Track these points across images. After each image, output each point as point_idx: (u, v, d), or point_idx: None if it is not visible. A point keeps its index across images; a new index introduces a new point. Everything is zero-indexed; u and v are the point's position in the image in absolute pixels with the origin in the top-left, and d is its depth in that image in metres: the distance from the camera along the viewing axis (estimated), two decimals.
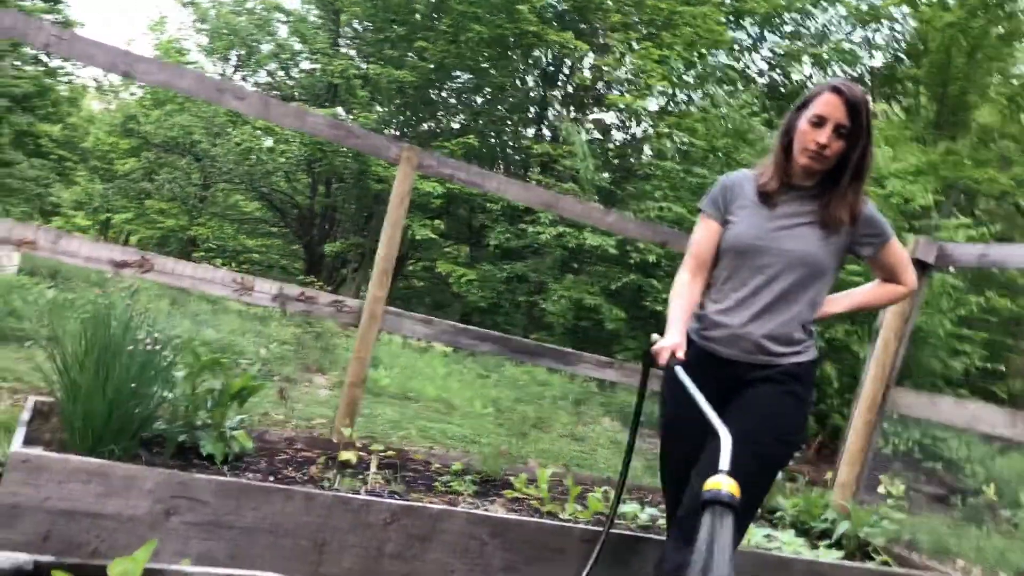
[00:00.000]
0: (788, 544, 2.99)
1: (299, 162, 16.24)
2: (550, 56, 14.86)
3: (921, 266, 4.57)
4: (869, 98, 2.06)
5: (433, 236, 12.52)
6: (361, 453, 3.20)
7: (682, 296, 2.13)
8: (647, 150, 16.34)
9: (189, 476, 2.03)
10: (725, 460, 1.65)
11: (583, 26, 14.63)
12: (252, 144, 15.76)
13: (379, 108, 15.89)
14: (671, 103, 14.55)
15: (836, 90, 2.04)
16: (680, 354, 1.99)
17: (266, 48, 18.65)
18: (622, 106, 13.78)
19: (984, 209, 15.19)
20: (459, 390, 8.13)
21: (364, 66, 14.92)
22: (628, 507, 3.18)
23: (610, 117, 16.78)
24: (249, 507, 2.05)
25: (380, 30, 14.93)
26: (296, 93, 17.28)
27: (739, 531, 1.92)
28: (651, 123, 14.40)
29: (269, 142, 16.27)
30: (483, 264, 13.09)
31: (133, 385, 2.35)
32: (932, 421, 7.26)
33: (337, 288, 18.76)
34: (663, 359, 1.99)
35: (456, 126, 16.71)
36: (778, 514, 3.69)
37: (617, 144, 15.48)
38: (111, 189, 18.90)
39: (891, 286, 2.26)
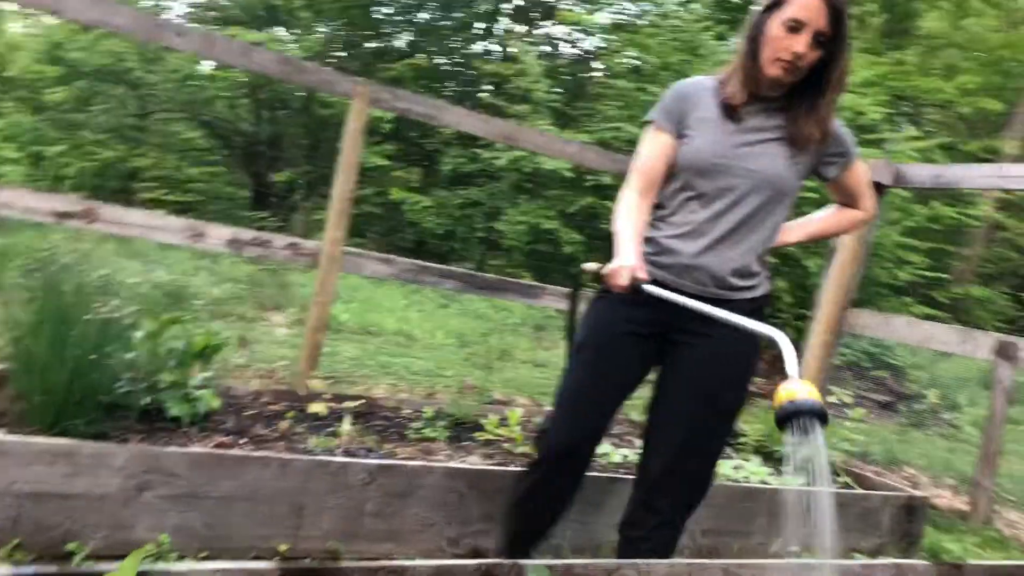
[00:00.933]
0: (755, 473, 3.07)
1: (241, 88, 15.64)
2: None
3: (879, 187, 4.62)
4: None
5: (384, 163, 12.23)
6: (331, 404, 3.17)
7: (631, 217, 1.90)
8: (598, 65, 16.11)
9: (160, 450, 1.98)
10: (792, 366, 1.50)
11: None
12: (190, 70, 15.09)
13: (321, 29, 15.26)
14: (622, 15, 14.25)
15: None
16: (642, 274, 1.82)
17: None
18: (573, 22, 13.46)
19: (930, 118, 15.37)
20: (419, 321, 8.10)
21: None
22: (601, 447, 3.22)
23: (558, 31, 16.43)
24: (224, 477, 2.01)
25: None
26: (235, 14, 16.47)
27: (707, 479, 1.96)
28: (602, 39, 14.12)
29: (209, 67, 15.57)
30: (437, 190, 12.90)
31: (93, 355, 2.26)
32: (888, 340, 7.49)
33: (287, 217, 18.41)
34: (623, 279, 1.78)
35: (402, 44, 16.19)
36: (742, 439, 3.78)
37: (567, 60, 15.18)
38: (42, 121, 18.02)
39: (850, 212, 2.10)
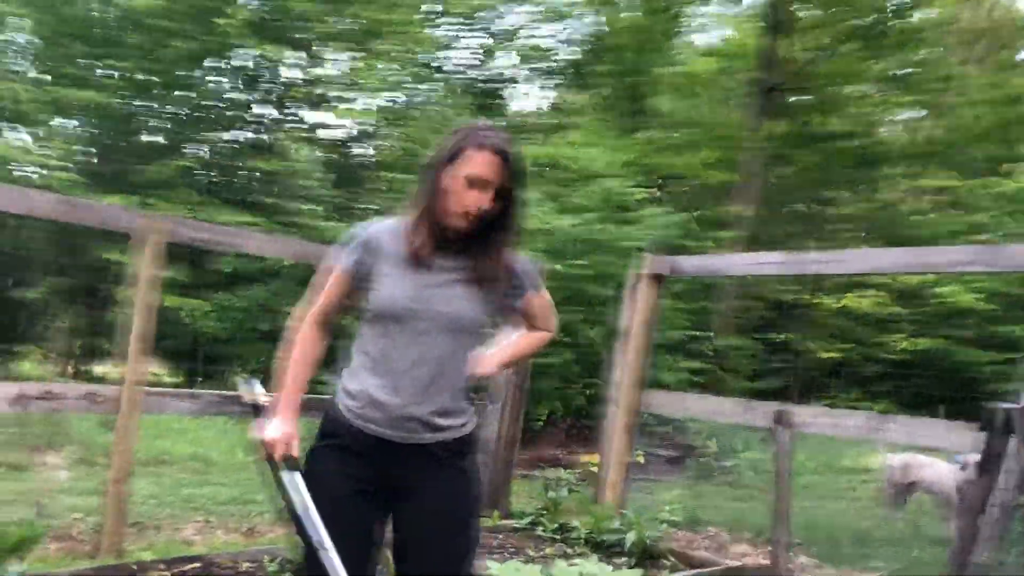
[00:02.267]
0: (597, 574, 3.26)
1: None
2: (257, 66, 14.31)
3: (658, 279, 5.16)
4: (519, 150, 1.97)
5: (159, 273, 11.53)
6: (163, 573, 2.99)
7: (304, 356, 1.97)
8: (361, 148, 16.42)
9: None
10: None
11: (290, 35, 14.26)
12: None
13: (76, 131, 14.26)
14: (393, 105, 14.67)
15: (497, 150, 1.89)
16: (295, 450, 1.87)
17: None
18: (347, 119, 13.66)
19: (679, 190, 17.13)
20: (214, 441, 7.69)
21: (48, 87, 13.31)
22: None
23: (328, 118, 16.62)
24: None
25: (59, 46, 13.40)
26: None
27: None
28: (372, 135, 14.46)
29: None
30: (217, 293, 12.39)
31: None
32: (681, 417, 8.18)
33: (43, 335, 16.73)
34: (277, 454, 1.85)
35: (164, 142, 15.54)
36: (573, 534, 4.00)
37: (327, 143, 15.24)
38: None
39: (537, 334, 2.16)
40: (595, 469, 5.67)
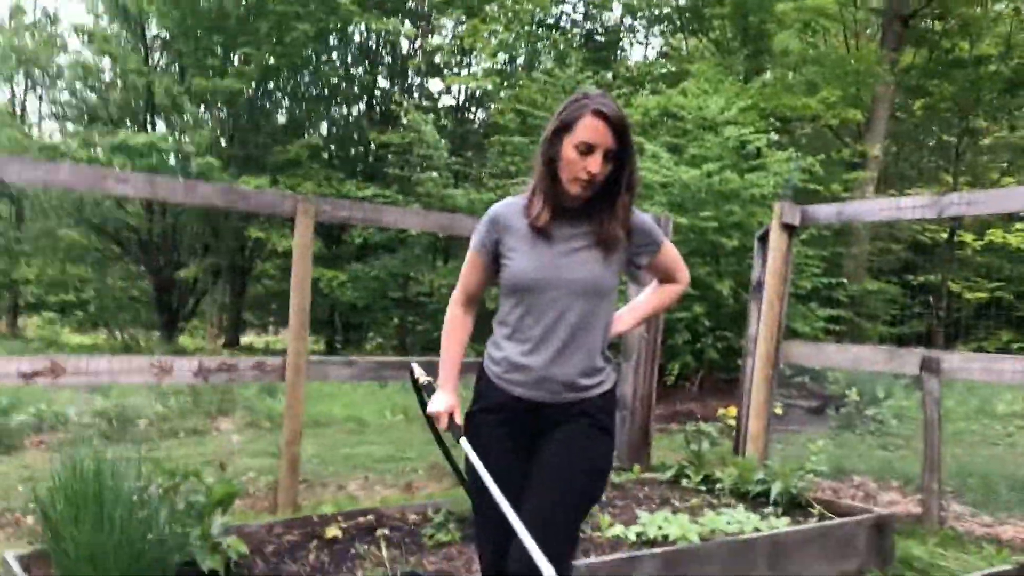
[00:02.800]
0: (744, 522, 3.35)
1: None
2: (378, 43, 14.72)
3: (789, 228, 5.08)
4: (626, 112, 2.04)
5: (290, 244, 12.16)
6: (341, 524, 3.29)
7: (455, 335, 2.16)
8: (483, 115, 16.57)
9: None
10: (536, 554, 1.68)
11: (406, 5, 14.55)
12: (44, 160, 14.68)
13: (207, 120, 15.17)
14: (507, 69, 14.75)
15: (599, 114, 1.95)
16: (458, 418, 2.03)
17: (63, 68, 17.35)
18: (462, 85, 13.88)
19: (801, 133, 16.49)
20: (364, 403, 8.17)
21: (184, 79, 14.19)
22: (602, 520, 3.42)
23: (442, 89, 16.85)
24: None
25: (194, 39, 14.21)
26: (112, 114, 16.17)
27: (566, 558, 1.99)
28: (489, 96, 14.59)
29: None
30: (351, 263, 12.98)
31: (147, 537, 2.36)
32: (822, 367, 8.04)
33: (194, 310, 18.02)
34: (440, 424, 2.03)
35: (292, 121, 16.25)
36: (718, 485, 4.08)
37: (459, 119, 15.57)
38: None
39: (670, 287, 2.25)
40: (732, 422, 5.71)
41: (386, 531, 3.29)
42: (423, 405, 2.14)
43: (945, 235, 17.10)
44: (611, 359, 2.12)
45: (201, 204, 4.12)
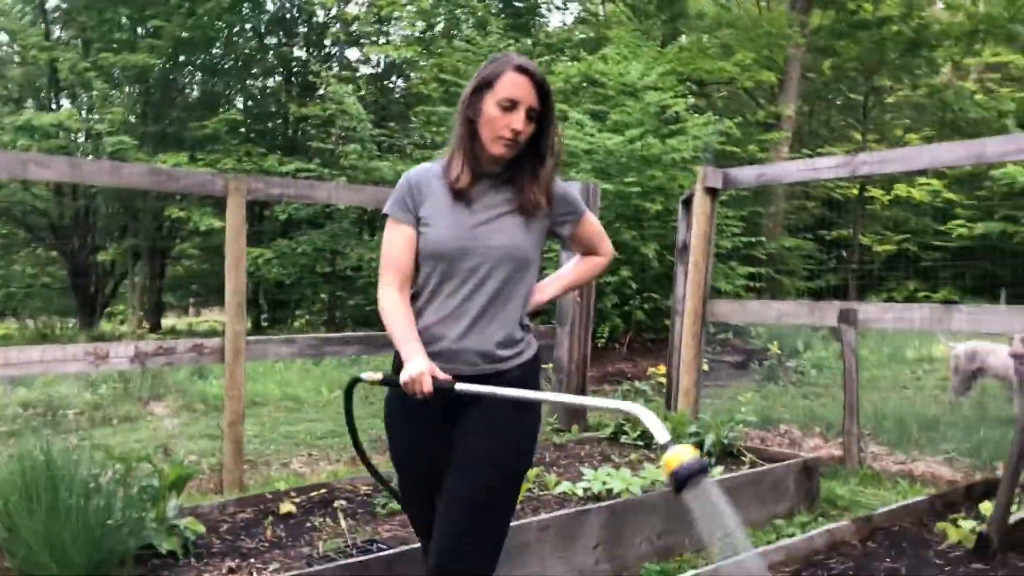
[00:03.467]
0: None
1: None
2: (293, 12, 14.37)
3: (712, 192, 5.28)
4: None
5: (217, 225, 11.91)
6: (294, 499, 3.35)
7: (399, 314, 1.94)
8: (402, 85, 16.38)
9: None
10: (661, 432, 1.60)
11: None
12: None
13: (117, 97, 14.58)
14: (425, 36, 14.60)
15: (522, 70, 1.90)
16: (440, 375, 1.85)
17: None
18: (381, 55, 13.68)
19: (717, 96, 16.88)
20: (299, 380, 8.14)
21: (89, 53, 13.58)
22: (548, 478, 3.56)
23: (360, 58, 16.56)
24: None
25: (98, 11, 13.60)
26: (11, 92, 15.39)
27: (497, 548, 1.94)
28: (409, 65, 14.43)
29: None
30: (275, 240, 12.78)
31: (105, 523, 2.37)
32: (745, 323, 8.35)
33: (113, 294, 17.45)
34: (426, 386, 1.81)
35: (195, 93, 15.76)
36: (654, 441, 4.26)
37: (379, 88, 15.36)
38: None
39: (593, 259, 2.19)
40: (663, 380, 5.94)
41: (342, 503, 3.35)
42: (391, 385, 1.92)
43: (856, 191, 17.84)
44: (530, 327, 2.05)
45: (127, 186, 4.04)
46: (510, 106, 1.88)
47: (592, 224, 2.13)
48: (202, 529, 2.88)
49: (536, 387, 2.03)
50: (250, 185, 4.42)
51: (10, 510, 2.47)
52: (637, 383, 5.14)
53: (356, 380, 2.00)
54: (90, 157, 12.66)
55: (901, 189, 17.41)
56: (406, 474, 2.03)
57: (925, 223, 18.78)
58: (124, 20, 13.72)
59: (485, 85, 1.90)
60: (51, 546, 2.38)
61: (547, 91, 1.93)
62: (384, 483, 2.18)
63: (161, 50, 13.18)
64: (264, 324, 16.00)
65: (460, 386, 1.82)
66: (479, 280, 1.92)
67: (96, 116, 13.49)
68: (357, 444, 2.12)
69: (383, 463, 5.02)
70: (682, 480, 1.48)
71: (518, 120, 1.88)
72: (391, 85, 16.90)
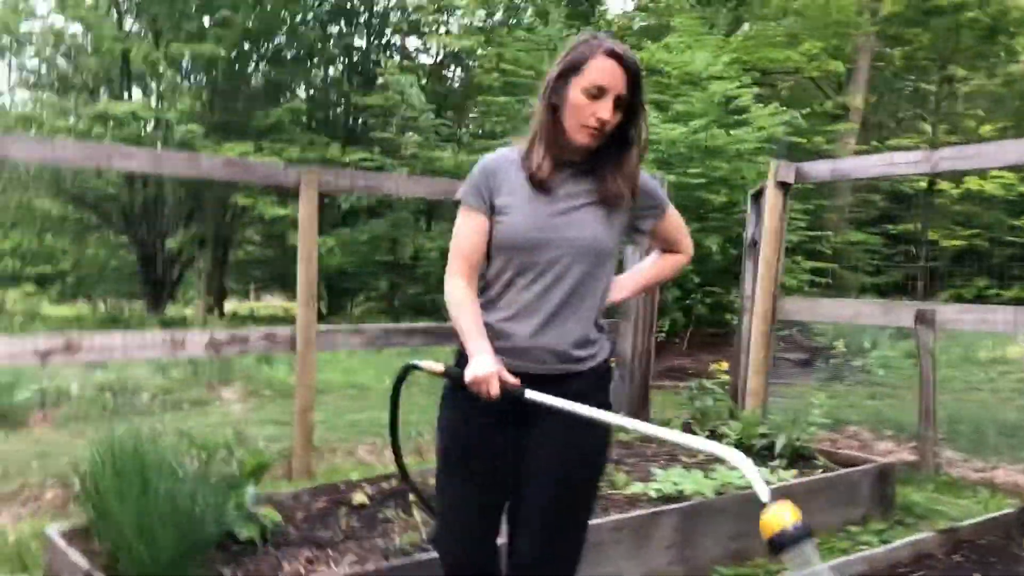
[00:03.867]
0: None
1: None
2: (355, 1, 14.51)
3: (784, 186, 5.17)
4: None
5: (281, 213, 12.14)
6: (366, 490, 3.40)
7: (468, 308, 1.85)
8: (460, 74, 16.42)
9: None
10: (763, 490, 1.49)
11: None
12: (48, 137, 14.49)
13: (186, 87, 14.94)
14: (486, 25, 14.61)
15: (613, 54, 1.78)
16: (509, 378, 1.77)
17: (31, 34, 16.94)
18: (444, 44, 13.74)
19: (783, 86, 16.52)
20: (362, 368, 8.25)
21: (159, 44, 13.93)
22: (616, 476, 3.55)
23: (419, 47, 16.65)
24: None
25: (168, 2, 13.93)
26: (87, 82, 15.87)
27: (575, 556, 1.91)
28: (468, 55, 14.46)
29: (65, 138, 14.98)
30: (339, 228, 12.95)
31: (193, 509, 2.45)
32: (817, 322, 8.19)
33: (180, 278, 17.93)
34: (493, 389, 1.74)
35: (271, 84, 16.01)
36: (724, 440, 4.22)
37: (438, 78, 15.44)
38: None
39: (673, 257, 2.09)
40: (725, 376, 5.87)
41: (412, 496, 3.38)
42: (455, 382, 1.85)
43: (925, 184, 17.33)
44: (605, 328, 1.95)
45: (206, 176, 4.13)
46: (597, 93, 1.77)
47: (675, 219, 2.04)
48: (279, 518, 2.93)
49: (607, 390, 1.94)
50: (321, 177, 4.48)
51: (101, 494, 2.55)
52: (704, 381, 5.07)
53: (412, 367, 1.93)
54: (159, 145, 13.01)
55: (972, 182, 16.82)
56: (463, 472, 1.90)
57: (997, 217, 18.16)
58: (193, 10, 14.03)
59: (572, 69, 1.79)
60: (141, 531, 2.45)
61: (639, 78, 1.81)
62: (415, 489, 2.18)
63: (229, 40, 13.44)
64: (323, 311, 16.29)
65: (530, 393, 1.74)
66: (557, 274, 1.82)
67: (166, 104, 13.83)
68: (395, 438, 2.06)
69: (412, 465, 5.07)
70: (782, 546, 1.41)
71: (605, 109, 1.77)
72: (448, 75, 16.97)
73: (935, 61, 17.25)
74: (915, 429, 4.56)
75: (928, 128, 18.26)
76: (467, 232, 1.87)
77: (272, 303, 25.96)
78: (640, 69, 1.82)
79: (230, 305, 20.62)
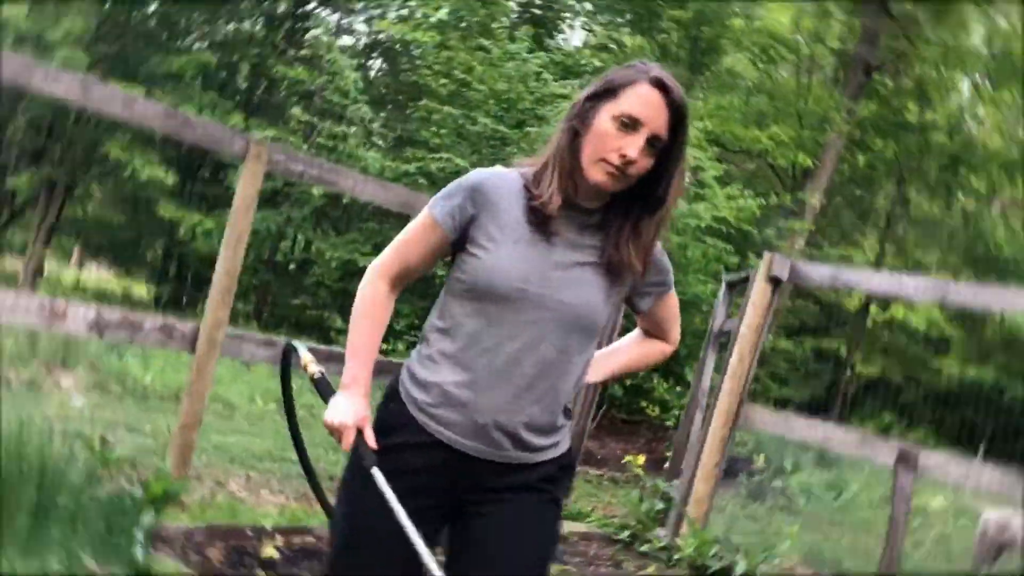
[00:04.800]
0: None
1: None
2: None
3: (775, 281, 5.26)
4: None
5: (160, 176, 11.55)
6: (276, 544, 3.15)
7: (374, 318, 1.74)
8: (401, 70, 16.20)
9: None
10: None
11: None
12: None
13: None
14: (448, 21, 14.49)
15: (660, 85, 1.63)
16: (370, 438, 1.66)
17: None
18: (395, 34, 13.46)
19: (742, 167, 17.15)
20: (229, 382, 7.82)
21: None
22: None
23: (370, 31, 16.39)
24: None
25: None
26: None
27: None
28: (420, 53, 14.31)
29: None
30: (223, 210, 12.41)
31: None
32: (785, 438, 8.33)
33: (9, 222, 16.78)
34: (345, 443, 1.64)
35: (163, 31, 15.35)
36: (676, 556, 4.17)
37: (381, 73, 15.20)
38: None
39: (656, 343, 1.96)
40: (639, 471, 5.89)
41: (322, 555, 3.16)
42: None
43: (858, 302, 18.22)
44: (571, 413, 1.81)
45: (138, 122, 3.85)
46: (630, 125, 1.61)
47: (674, 303, 1.91)
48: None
49: (569, 487, 1.88)
50: (273, 155, 4.25)
51: None
52: (659, 482, 5.07)
53: (292, 348, 1.85)
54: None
55: (898, 311, 17.64)
56: (372, 536, 1.69)
57: (915, 352, 19.26)
58: None
59: (606, 92, 1.65)
60: None
61: (684, 121, 1.65)
62: (323, 502, 1.94)
63: None
64: (164, 299, 15.47)
65: (377, 475, 1.59)
66: (533, 339, 1.65)
67: (48, 20, 13.02)
68: (305, 463, 1.90)
69: None
70: None
71: (634, 146, 1.61)
72: (381, 67, 16.75)
73: (893, 178, 18.31)
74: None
75: (874, 244, 19.28)
76: (419, 238, 1.74)
77: (99, 274, 24.56)
78: (687, 112, 1.67)
79: (49, 265, 19.37)
